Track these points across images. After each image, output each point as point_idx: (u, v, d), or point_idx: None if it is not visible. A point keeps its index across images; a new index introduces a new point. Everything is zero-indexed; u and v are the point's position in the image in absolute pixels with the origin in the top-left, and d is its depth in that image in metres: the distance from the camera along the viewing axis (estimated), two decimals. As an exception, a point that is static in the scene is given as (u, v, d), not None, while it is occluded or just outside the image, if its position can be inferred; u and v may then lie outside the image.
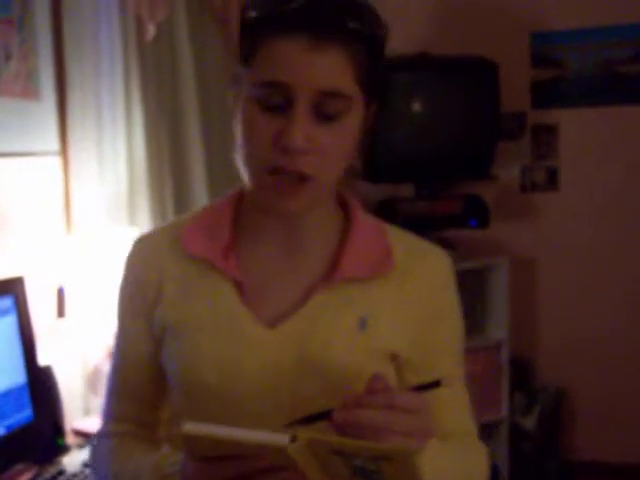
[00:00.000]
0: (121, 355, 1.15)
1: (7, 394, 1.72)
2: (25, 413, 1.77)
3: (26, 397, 1.78)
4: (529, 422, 3.31)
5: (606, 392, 3.44)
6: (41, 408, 1.82)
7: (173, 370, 1.07)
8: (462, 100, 3.07)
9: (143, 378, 1.13)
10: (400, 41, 3.20)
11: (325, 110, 0.94)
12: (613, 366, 3.42)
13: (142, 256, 1.12)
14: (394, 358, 1.07)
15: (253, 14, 0.96)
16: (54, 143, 2.09)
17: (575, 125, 3.39)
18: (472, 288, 3.30)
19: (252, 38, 0.96)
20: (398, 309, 1.06)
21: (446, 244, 3.14)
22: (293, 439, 0.82)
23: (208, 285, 1.06)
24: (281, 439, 0.82)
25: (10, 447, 1.64)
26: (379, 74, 1.01)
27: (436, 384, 0.93)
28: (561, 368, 3.49)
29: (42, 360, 1.87)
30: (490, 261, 3.26)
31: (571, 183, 3.43)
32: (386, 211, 3.10)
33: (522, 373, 3.45)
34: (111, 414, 1.16)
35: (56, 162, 2.11)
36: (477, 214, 3.16)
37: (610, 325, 3.42)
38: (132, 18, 2.22)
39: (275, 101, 0.94)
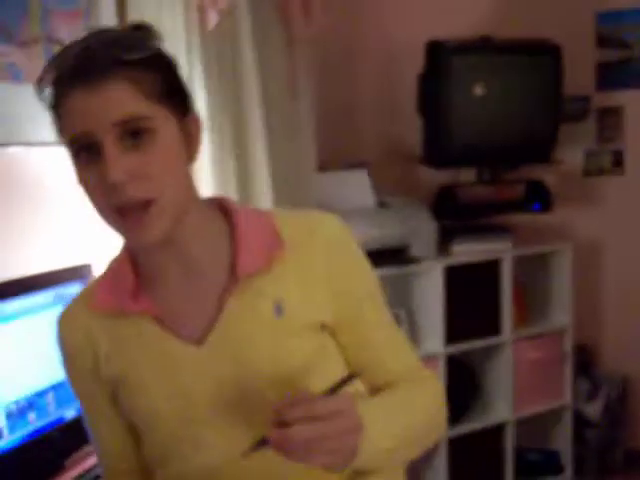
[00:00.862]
0: (91, 424, 1.23)
1: (78, 378, 1.76)
2: (95, 396, 1.82)
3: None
4: (593, 410, 3.27)
5: (673, 380, 3.37)
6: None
7: (132, 416, 1.15)
8: (524, 83, 3.03)
9: (119, 433, 1.20)
10: (462, 25, 3.18)
11: (132, 138, 0.99)
12: (680, 353, 3.35)
13: (67, 332, 1.19)
14: (323, 328, 1.13)
15: (45, 81, 1.02)
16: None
17: (642, 107, 3.31)
18: (535, 274, 3.27)
19: (51, 103, 1.02)
20: (306, 282, 1.11)
21: (504, 229, 3.11)
22: None
23: (132, 331, 1.12)
24: None
25: (81, 429, 1.68)
26: (175, 85, 1.06)
27: (350, 378, 1.00)
28: (626, 355, 3.43)
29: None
30: (553, 246, 3.22)
31: (637, 167, 3.35)
32: (447, 196, 3.08)
33: (586, 360, 3.41)
34: (108, 472, 1.24)
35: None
36: (540, 199, 3.12)
37: (677, 312, 3.34)
38: (194, 7, 2.24)
39: (86, 152, 1.00)
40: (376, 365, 1.17)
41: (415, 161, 3.13)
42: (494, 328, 3.01)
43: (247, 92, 2.43)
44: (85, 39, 1.01)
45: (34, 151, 1.91)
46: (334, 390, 0.98)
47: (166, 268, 1.12)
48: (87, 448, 1.74)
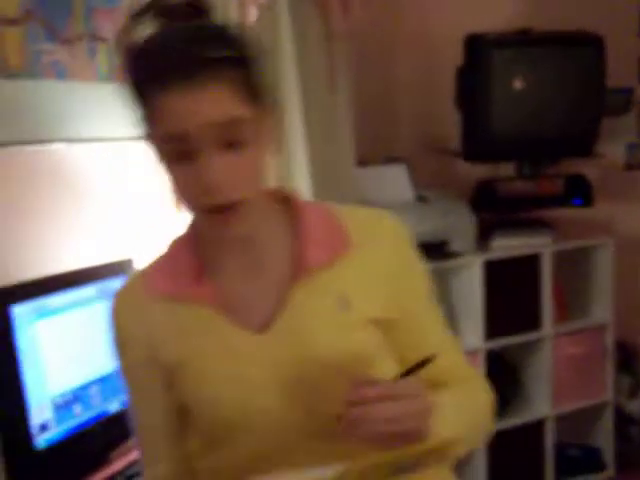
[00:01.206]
0: (138, 410, 1.21)
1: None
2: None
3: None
4: (635, 406, 3.23)
5: None
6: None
7: (191, 403, 1.13)
8: (565, 76, 2.99)
9: (162, 417, 1.19)
10: (502, 18, 3.15)
11: (229, 139, 0.99)
12: None
13: (122, 315, 1.17)
14: (378, 323, 1.13)
15: (133, 78, 1.01)
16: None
17: (685, 99, 3.25)
18: (576, 269, 3.23)
19: (140, 100, 1.02)
20: (368, 278, 1.13)
21: (544, 224, 3.08)
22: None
23: (190, 316, 1.12)
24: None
25: (125, 421, 1.70)
26: (262, 80, 1.05)
27: (425, 362, 1.00)
28: (669, 351, 3.38)
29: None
30: (594, 241, 3.18)
31: (680, 160, 3.30)
32: (486, 191, 3.05)
33: (627, 356, 3.37)
34: (148, 460, 1.23)
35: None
36: (581, 193, 3.08)
37: None
38: (235, 2, 2.25)
39: (181, 150, 0.99)
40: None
41: (453, 155, 3.11)
42: (534, 323, 2.99)
43: (287, 87, 2.44)
44: (174, 35, 1.00)
45: (77, 148, 1.94)
46: (408, 374, 1.00)
47: (230, 256, 1.13)
48: (132, 441, 1.76)
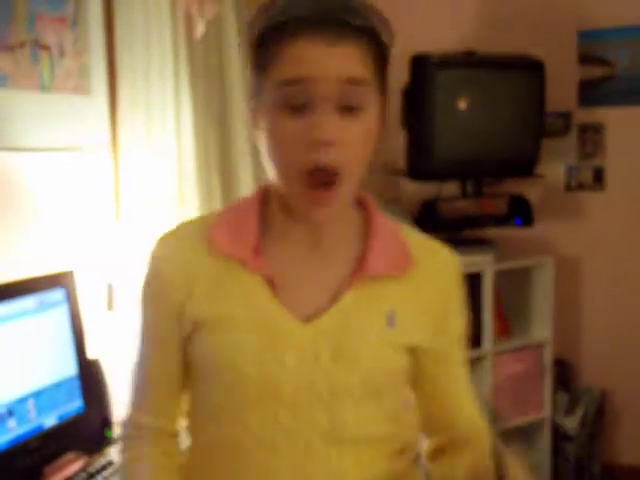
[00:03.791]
0: (145, 350, 1.17)
1: (59, 385, 1.76)
2: (76, 404, 1.81)
3: (77, 388, 1.81)
4: (571, 423, 3.28)
5: (651, 395, 3.40)
6: (91, 400, 1.85)
7: (208, 363, 1.10)
8: (508, 98, 3.05)
9: (167, 372, 1.15)
10: (447, 39, 3.21)
11: (348, 101, 1.00)
12: (659, 368, 3.38)
13: (168, 254, 1.13)
14: (413, 350, 1.13)
15: (271, 22, 1.02)
16: (105, 138, 2.13)
17: (622, 124, 3.34)
18: (516, 287, 3.28)
19: (271, 44, 1.02)
20: (417, 304, 1.13)
21: (486, 243, 3.13)
22: None
23: (239, 282, 1.09)
24: None
25: (61, 436, 1.67)
26: (386, 68, 1.07)
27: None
28: (605, 369, 3.45)
29: (92, 353, 1.90)
30: (535, 260, 3.24)
31: (617, 183, 3.38)
32: (429, 209, 3.09)
33: (565, 374, 3.43)
34: (135, 406, 1.18)
35: (106, 156, 2.14)
36: (522, 213, 3.14)
37: (656, 327, 3.37)
38: (182, 16, 2.25)
39: (300, 99, 0.99)
40: (447, 413, 1.23)
41: (398, 174, 3.15)
42: (475, 341, 3.02)
43: (234, 103, 2.44)
44: None
45: (16, 157, 1.91)
46: None
47: (296, 237, 1.11)
48: (67, 456, 1.73)
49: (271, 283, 1.08)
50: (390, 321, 1.10)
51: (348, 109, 1.00)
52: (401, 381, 1.14)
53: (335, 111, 0.99)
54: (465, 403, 1.24)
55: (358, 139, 1.02)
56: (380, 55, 1.05)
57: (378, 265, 1.10)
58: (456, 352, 1.21)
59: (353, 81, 1.00)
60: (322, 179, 1.01)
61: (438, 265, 1.17)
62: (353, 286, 1.09)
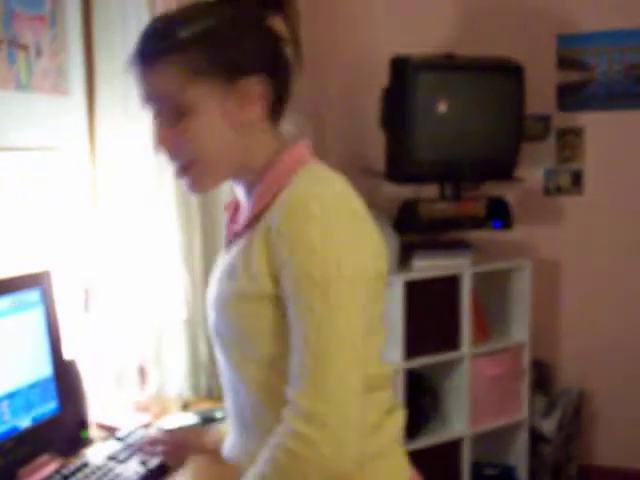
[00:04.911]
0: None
1: (34, 386, 1.74)
2: (51, 405, 1.79)
3: (52, 389, 1.80)
4: (549, 425, 3.30)
5: (628, 397, 3.43)
6: (66, 401, 1.83)
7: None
8: (487, 102, 3.07)
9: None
10: (427, 42, 3.22)
11: (164, 112, 1.17)
12: (636, 370, 3.41)
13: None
14: (267, 298, 1.13)
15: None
16: (83, 137, 2.11)
17: (601, 128, 3.37)
18: (494, 290, 3.30)
19: None
20: (260, 253, 1.13)
21: (465, 245, 3.14)
22: None
23: None
24: None
25: (36, 438, 1.65)
26: (217, 57, 1.14)
27: None
28: (583, 371, 3.47)
29: (69, 354, 1.88)
30: (513, 263, 3.26)
31: (595, 187, 3.41)
32: (408, 212, 3.10)
33: (543, 376, 3.45)
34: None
35: (84, 156, 2.13)
36: (500, 216, 3.16)
37: (633, 329, 3.40)
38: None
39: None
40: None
41: (378, 176, 3.15)
42: (453, 343, 3.04)
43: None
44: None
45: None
46: None
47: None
48: (42, 458, 1.71)
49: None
50: (231, 275, 1.18)
51: (171, 117, 1.17)
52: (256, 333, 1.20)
53: (163, 122, 1.18)
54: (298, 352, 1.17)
55: (191, 136, 1.16)
56: (201, 55, 1.14)
57: (238, 224, 1.25)
58: (305, 293, 1.08)
59: (158, 99, 1.17)
60: (180, 172, 1.21)
61: (275, 215, 1.11)
62: (229, 246, 1.26)
